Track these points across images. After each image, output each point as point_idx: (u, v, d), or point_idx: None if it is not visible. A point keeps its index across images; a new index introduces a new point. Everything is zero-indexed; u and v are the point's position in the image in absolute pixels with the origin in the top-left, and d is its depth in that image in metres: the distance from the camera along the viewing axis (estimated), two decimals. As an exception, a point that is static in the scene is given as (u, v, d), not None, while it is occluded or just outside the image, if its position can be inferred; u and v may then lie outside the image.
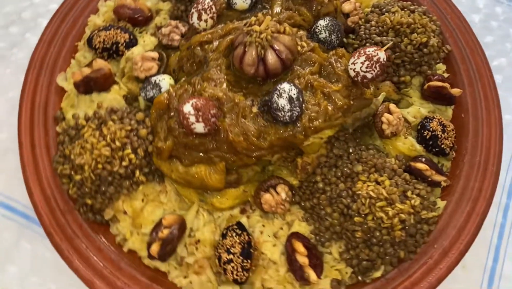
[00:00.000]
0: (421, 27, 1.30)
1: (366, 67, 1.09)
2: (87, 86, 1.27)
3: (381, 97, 1.27)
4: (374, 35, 1.30)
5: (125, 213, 1.18)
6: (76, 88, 1.28)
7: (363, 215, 1.11)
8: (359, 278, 1.15)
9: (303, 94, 1.08)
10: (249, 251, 1.11)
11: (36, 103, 1.30)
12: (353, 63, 1.11)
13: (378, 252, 1.13)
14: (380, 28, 1.31)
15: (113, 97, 1.25)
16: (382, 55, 1.09)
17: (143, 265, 1.17)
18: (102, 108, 1.24)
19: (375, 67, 1.09)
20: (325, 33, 1.20)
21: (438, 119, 1.25)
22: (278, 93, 1.04)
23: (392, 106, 1.24)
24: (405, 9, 1.36)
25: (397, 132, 1.24)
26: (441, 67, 1.37)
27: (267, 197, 1.14)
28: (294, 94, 1.04)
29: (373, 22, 1.32)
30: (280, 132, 1.07)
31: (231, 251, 1.10)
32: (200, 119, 1.01)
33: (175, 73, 1.23)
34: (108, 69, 1.26)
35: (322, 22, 1.20)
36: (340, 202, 1.14)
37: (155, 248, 1.10)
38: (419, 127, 1.26)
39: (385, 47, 1.10)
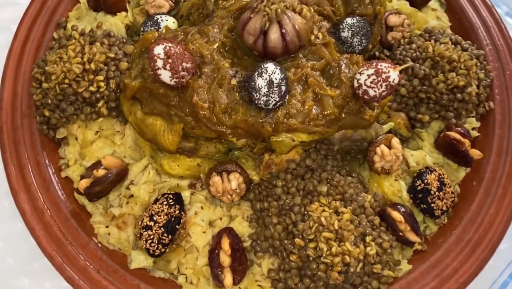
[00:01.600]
0: (464, 69, 1.12)
1: (371, 82, 0.94)
2: (97, 3, 1.21)
3: (386, 127, 1.11)
4: (408, 59, 1.13)
5: (76, 139, 1.11)
6: (87, 1, 1.23)
7: (306, 239, 0.97)
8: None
9: (287, 83, 0.94)
10: (174, 226, 1.01)
11: (46, 5, 1.25)
12: (360, 73, 0.96)
13: (308, 286, 0.99)
14: (418, 53, 1.14)
15: (116, 22, 1.18)
16: (393, 74, 0.93)
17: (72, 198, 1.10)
18: (100, 29, 1.18)
19: (381, 85, 0.94)
20: (348, 32, 1.05)
21: (439, 174, 1.07)
22: (259, 71, 0.92)
23: (395, 141, 1.08)
24: (457, 45, 1.18)
25: (389, 171, 1.08)
26: (473, 123, 1.18)
27: (216, 180, 1.03)
28: (276, 78, 0.91)
29: (414, 45, 1.16)
30: (248, 115, 0.95)
31: (155, 218, 1.00)
32: (168, 67, 0.91)
33: (182, 19, 1.14)
34: (122, -8, 1.20)
35: (349, 20, 1.06)
36: (289, 216, 1.00)
37: (83, 183, 1.03)
38: (415, 174, 1.09)
39: (400, 68, 0.94)
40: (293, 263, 0.99)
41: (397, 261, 1.05)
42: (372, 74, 0.94)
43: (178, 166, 1.06)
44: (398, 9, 1.23)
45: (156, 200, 1.03)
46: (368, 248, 0.98)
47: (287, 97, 0.96)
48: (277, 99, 0.93)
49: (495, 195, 1.12)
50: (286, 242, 1.00)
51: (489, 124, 1.19)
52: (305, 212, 0.99)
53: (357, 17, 1.06)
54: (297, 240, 0.98)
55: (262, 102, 0.93)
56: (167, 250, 1.02)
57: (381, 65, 0.94)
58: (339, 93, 0.98)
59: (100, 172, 1.03)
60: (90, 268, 1.02)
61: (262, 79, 0.91)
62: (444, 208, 1.07)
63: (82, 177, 1.05)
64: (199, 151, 1.04)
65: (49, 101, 1.09)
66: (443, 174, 1.08)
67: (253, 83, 0.92)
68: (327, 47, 1.02)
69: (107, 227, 1.07)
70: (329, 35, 1.04)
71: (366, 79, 0.95)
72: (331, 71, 1.01)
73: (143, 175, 1.08)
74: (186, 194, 1.06)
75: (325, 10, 1.08)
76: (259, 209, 1.05)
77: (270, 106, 0.94)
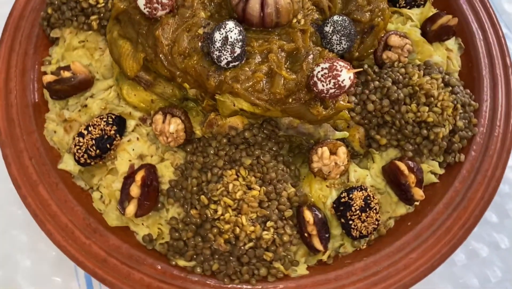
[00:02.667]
0: (439, 108, 1.07)
1: (322, 76, 0.94)
2: None
3: (339, 134, 1.09)
4: (389, 79, 1.11)
5: (64, 42, 1.20)
6: None
7: (211, 199, 0.99)
8: (170, 257, 1.03)
9: (244, 46, 0.96)
10: (105, 144, 1.06)
11: None
12: (317, 65, 0.96)
13: (196, 244, 1.00)
14: (401, 77, 1.11)
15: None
16: (345, 75, 0.93)
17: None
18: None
19: (330, 81, 0.93)
20: (330, 28, 1.05)
21: (368, 195, 1.04)
22: (219, 25, 0.95)
23: (342, 150, 1.06)
24: (448, 86, 1.14)
25: (326, 176, 1.07)
26: (435, 167, 1.13)
27: (158, 118, 1.07)
28: (231, 36, 0.94)
29: (402, 70, 1.13)
30: (199, 64, 0.98)
31: (89, 129, 1.06)
32: (143, -6, 0.97)
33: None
34: None
35: (335, 17, 1.05)
36: (206, 174, 1.02)
37: (48, 78, 1.11)
38: (346, 188, 1.07)
39: (354, 70, 0.93)
40: (193, 218, 1.01)
41: (296, 262, 1.04)
42: (325, 68, 0.94)
43: (134, 95, 1.11)
44: (407, 33, 1.20)
45: (100, 116, 1.09)
46: (265, 232, 0.98)
47: (242, 61, 0.98)
48: (229, 58, 0.95)
49: (424, 242, 1.07)
50: (195, 196, 1.02)
51: (451, 175, 1.14)
52: (221, 176, 1.01)
53: (346, 17, 1.05)
54: (202, 197, 1.00)
55: (215, 56, 0.96)
56: (92, 163, 1.08)
57: (337, 63, 0.94)
58: (294, 78, 0.98)
59: (66, 74, 1.11)
60: (24, 152, 1.10)
61: (219, 33, 0.94)
62: (364, 232, 1.04)
63: (52, 73, 1.14)
64: (155, 87, 1.09)
65: (55, 2, 1.19)
66: (372, 197, 1.04)
67: (211, 35, 0.96)
68: (304, 34, 1.03)
69: (56, 125, 1.14)
70: (312, 25, 1.05)
71: (319, 72, 0.95)
72: (297, 57, 1.01)
73: (104, 92, 1.14)
74: (131, 123, 1.11)
75: (322, 3, 1.09)
76: (188, 161, 1.08)
77: (222, 64, 0.97)
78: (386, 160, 1.11)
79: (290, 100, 0.99)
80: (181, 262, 1.02)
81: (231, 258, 0.99)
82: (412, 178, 1.05)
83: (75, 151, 1.06)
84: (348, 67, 0.94)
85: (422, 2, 1.27)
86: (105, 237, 1.05)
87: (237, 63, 0.98)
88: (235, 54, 0.95)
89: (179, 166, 1.09)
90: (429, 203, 1.11)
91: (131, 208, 1.02)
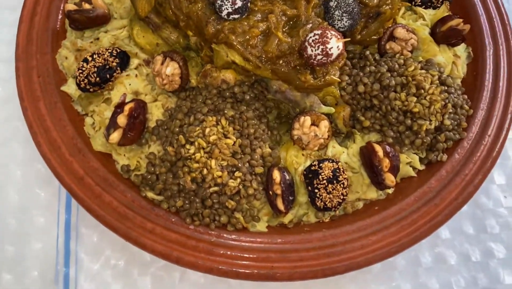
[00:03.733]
0: (427, 101, 1.09)
1: (312, 41, 0.98)
2: None
3: (325, 109, 1.12)
4: (385, 66, 1.13)
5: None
6: None
7: (188, 140, 1.04)
8: (141, 188, 1.09)
9: (246, 0, 1.01)
10: (106, 74, 1.13)
11: None
12: (311, 31, 1.00)
13: (166, 179, 1.06)
14: (398, 66, 1.13)
15: None
16: (334, 43, 0.96)
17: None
18: None
19: (318, 47, 0.97)
20: (334, 3, 1.09)
21: (337, 168, 1.06)
22: (226, -23, 1.01)
23: (324, 123, 1.09)
24: (443, 85, 1.15)
25: (304, 146, 1.10)
26: (415, 161, 1.14)
27: (158, 58, 1.13)
28: (234, -10, 0.99)
29: (401, 61, 1.15)
30: (202, 10, 1.04)
31: (94, 57, 1.14)
32: None
33: None
34: None
35: None
36: (190, 117, 1.07)
37: (69, 6, 1.20)
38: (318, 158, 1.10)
39: (344, 40, 0.96)
40: (169, 156, 1.06)
41: (257, 217, 1.07)
42: (317, 34, 0.98)
43: (143, 36, 1.18)
44: (415, 29, 1.22)
45: (108, 50, 1.16)
46: (231, 180, 1.02)
47: (243, 15, 1.03)
48: (229, 9, 1.01)
49: (386, 228, 1.08)
50: (175, 136, 1.07)
51: (430, 172, 1.15)
52: (202, 120, 1.06)
53: (352, -2, 1.09)
54: (180, 137, 1.05)
55: (217, 5, 1.02)
56: (91, 90, 1.15)
57: (328, 31, 0.97)
58: (288, 41, 1.02)
59: (86, 6, 1.20)
60: (35, 69, 1.19)
61: (224, -14, 1.00)
62: (328, 204, 1.06)
63: (74, 3, 1.22)
64: (162, 31, 1.15)
65: None
66: (342, 171, 1.07)
67: (219, -13, 1.01)
68: (308, 4, 1.07)
69: (70, 52, 1.23)
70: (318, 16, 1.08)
71: (311, 37, 0.99)
72: (297, 24, 1.05)
73: (117, 30, 1.22)
74: (135, 61, 1.18)
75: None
76: (178, 106, 1.13)
77: (223, 14, 1.02)
78: (364, 142, 1.13)
79: (281, 61, 1.04)
80: (150, 194, 1.07)
81: (196, 198, 1.04)
82: (386, 162, 1.07)
83: (78, 74, 1.14)
84: (339, 36, 0.97)
85: (439, 5, 1.29)
86: (87, 158, 1.11)
87: (237, 16, 1.03)
88: (236, 6, 1.01)
89: (169, 108, 1.14)
90: (401, 193, 1.12)
91: (115, 135, 1.08)
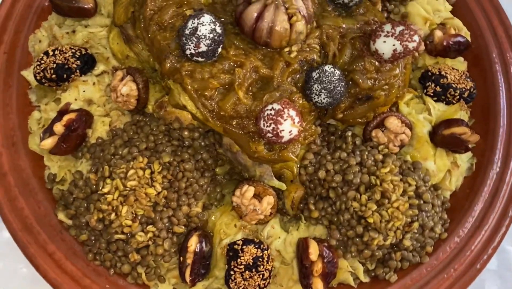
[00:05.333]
0: (389, 216, 0.94)
1: (267, 115, 0.86)
2: None
3: (275, 183, 0.99)
4: (358, 158, 0.98)
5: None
6: None
7: (111, 176, 0.94)
8: (56, 206, 1.01)
9: (214, 45, 0.88)
10: (63, 74, 1.04)
11: None
12: (272, 102, 0.87)
13: (80, 206, 0.97)
14: (372, 163, 0.98)
15: None
16: (287, 126, 0.85)
17: None
18: None
19: (270, 124, 0.85)
20: (316, 74, 0.92)
21: (261, 257, 0.93)
22: (195, 15, 0.88)
23: (268, 198, 0.96)
24: (417, 198, 0.99)
25: (241, 215, 0.98)
26: (357, 270, 1.00)
27: (118, 74, 1.03)
28: (201, 30, 0.86)
29: (380, 157, 0.99)
30: (166, 42, 0.93)
31: (55, 53, 1.05)
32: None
33: None
34: None
35: (327, 67, 0.92)
36: (123, 150, 0.98)
37: None
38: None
39: (299, 128, 0.83)
40: (90, 182, 0.97)
41: (162, 278, 0.97)
42: (273, 109, 0.85)
43: (117, 43, 1.08)
44: (414, 123, 1.06)
45: (73, 45, 1.07)
46: (140, 233, 0.92)
47: (208, 60, 0.91)
48: (192, 50, 0.89)
49: None
50: (104, 164, 0.98)
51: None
52: (134, 158, 0.95)
53: (338, 72, 0.93)
54: (106, 167, 0.95)
55: (181, 43, 0.90)
56: (46, 84, 1.06)
57: (288, 110, 0.85)
58: (247, 103, 0.91)
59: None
60: (3, 45, 1.12)
61: (192, 22, 0.88)
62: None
63: None
64: (134, 45, 1.04)
65: None
66: (266, 261, 0.94)
67: (186, 20, 0.89)
68: (286, 68, 0.94)
69: (45, 36, 1.15)
70: (302, 64, 0.94)
71: (267, 110, 0.86)
72: (267, 86, 0.93)
73: (97, 28, 1.13)
74: (100, 67, 1.09)
75: (328, 47, 0.98)
76: (123, 129, 1.03)
77: (186, 53, 0.90)
78: (309, 235, 1.00)
79: (234, 123, 0.91)
80: (61, 215, 0.99)
81: (101, 238, 0.95)
82: (318, 266, 0.93)
83: (36, 65, 1.06)
84: (296, 121, 0.84)
85: (454, 102, 1.11)
86: (18, 154, 1.05)
87: (201, 59, 0.91)
88: (200, 50, 0.89)
89: (115, 129, 1.05)
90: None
91: (48, 142, 1.00)
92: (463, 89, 1.10)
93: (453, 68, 1.12)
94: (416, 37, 0.94)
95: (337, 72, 0.93)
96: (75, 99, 1.06)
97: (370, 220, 0.93)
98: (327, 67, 0.93)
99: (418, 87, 1.14)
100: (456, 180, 1.10)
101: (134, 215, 0.92)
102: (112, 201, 0.91)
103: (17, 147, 1.05)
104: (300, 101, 0.93)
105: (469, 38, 1.19)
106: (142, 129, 1.01)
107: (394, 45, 0.94)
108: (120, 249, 0.94)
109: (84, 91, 1.06)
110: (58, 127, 1.00)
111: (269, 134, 0.85)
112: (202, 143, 1.00)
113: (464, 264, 1.02)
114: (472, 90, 1.11)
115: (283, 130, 0.83)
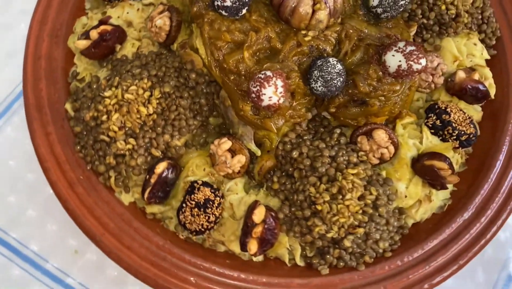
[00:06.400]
0: (337, 210, 0.99)
1: (258, 77, 0.93)
2: None
3: (252, 146, 1.07)
4: (333, 153, 1.04)
5: None
6: None
7: (119, 86, 1.07)
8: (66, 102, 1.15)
9: (238, 4, 0.98)
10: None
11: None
12: (267, 70, 0.95)
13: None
14: (344, 161, 1.03)
15: None
16: (268, 92, 0.93)
17: None
18: None
19: (256, 86, 0.93)
20: (319, 62, 1.00)
21: (212, 200, 1.02)
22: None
23: (239, 157, 1.04)
24: (374, 208, 1.03)
25: (214, 163, 1.07)
26: (295, 250, 1.06)
27: (159, 7, 1.15)
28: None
29: (355, 160, 1.04)
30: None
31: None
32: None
33: None
34: None
35: (331, 59, 0.99)
36: (136, 70, 1.09)
37: None
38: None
39: (282, 94, 0.90)
40: (99, 87, 1.10)
41: (128, 188, 1.08)
42: (264, 74, 0.93)
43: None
44: (401, 144, 1.09)
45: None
46: (121, 142, 1.03)
47: (231, 16, 1.00)
48: (218, 2, 0.99)
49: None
50: (118, 76, 1.10)
51: (301, 274, 1.05)
52: (141, 78, 1.07)
53: (339, 66, 0.99)
54: (117, 78, 1.07)
55: None
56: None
57: (276, 78, 0.93)
58: (249, 65, 0.99)
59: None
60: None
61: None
62: (187, 224, 1.04)
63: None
64: None
65: None
66: (215, 204, 1.02)
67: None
68: (296, 47, 1.01)
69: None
70: (312, 49, 1.02)
71: (260, 75, 0.94)
72: (273, 56, 1.01)
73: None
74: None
75: (343, 44, 1.04)
76: (145, 55, 1.15)
77: (214, 3, 1.00)
78: (264, 203, 1.07)
79: (232, 78, 1.00)
80: (68, 106, 1.11)
81: (90, 134, 1.07)
82: (258, 229, 1.00)
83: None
84: (279, 91, 0.91)
85: (448, 140, 1.13)
86: (57, 45, 1.18)
87: (225, 13, 1.00)
88: (225, 4, 0.98)
89: (140, 53, 1.16)
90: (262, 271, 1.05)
91: (82, 42, 1.13)
92: (462, 132, 1.12)
93: (460, 110, 1.15)
94: (423, 61, 0.98)
95: (339, 66, 1.00)
96: (118, 17, 1.19)
97: (319, 207, 0.99)
98: (331, 59, 1.00)
99: (422, 117, 1.17)
100: (424, 212, 1.12)
101: (122, 124, 1.03)
102: (108, 105, 1.03)
103: (58, 39, 1.20)
104: (296, 80, 1.00)
105: (492, 91, 1.20)
106: (160, 60, 1.12)
107: (400, 61, 0.99)
108: (102, 149, 1.06)
109: (128, 13, 1.19)
110: (94, 34, 1.13)
111: (253, 95, 0.93)
112: (204, 90, 1.09)
113: (396, 287, 1.05)
114: (471, 136, 1.13)
115: (264, 94, 0.91)
